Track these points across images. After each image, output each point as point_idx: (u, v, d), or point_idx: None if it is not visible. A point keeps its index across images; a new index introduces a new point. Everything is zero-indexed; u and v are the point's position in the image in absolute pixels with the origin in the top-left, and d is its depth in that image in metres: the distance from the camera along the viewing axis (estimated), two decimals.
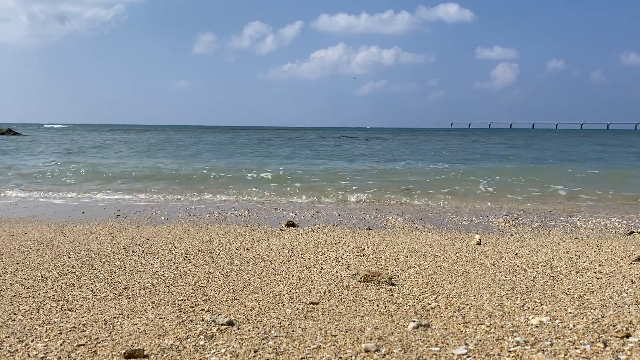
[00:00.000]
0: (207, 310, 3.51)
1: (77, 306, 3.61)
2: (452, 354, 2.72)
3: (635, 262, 5.05)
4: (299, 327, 3.18)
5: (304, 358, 2.69)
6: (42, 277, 4.41)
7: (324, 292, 4.02)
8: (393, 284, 4.25)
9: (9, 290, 4.01)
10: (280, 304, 3.68)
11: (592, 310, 3.44)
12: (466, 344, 2.85)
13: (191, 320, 3.29)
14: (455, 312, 3.49)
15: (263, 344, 2.87)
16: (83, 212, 9.15)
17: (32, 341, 2.91)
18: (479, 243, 6.19)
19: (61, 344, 2.86)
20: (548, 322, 3.17)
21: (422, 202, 10.73)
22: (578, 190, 12.49)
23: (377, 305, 3.67)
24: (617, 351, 2.68)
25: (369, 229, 7.57)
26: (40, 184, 13.35)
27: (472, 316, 3.38)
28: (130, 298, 3.83)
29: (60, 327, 3.16)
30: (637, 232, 7.32)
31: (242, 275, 4.55)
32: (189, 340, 2.94)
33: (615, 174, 16.90)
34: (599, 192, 12.10)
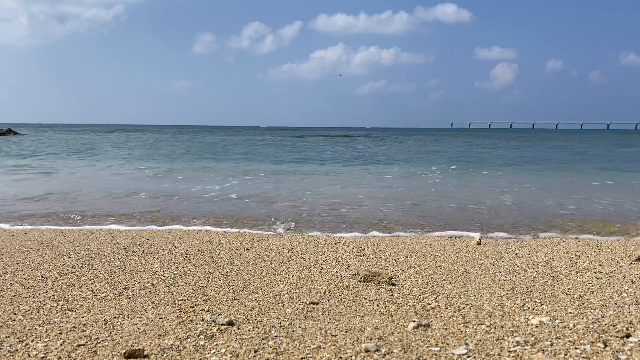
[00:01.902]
0: (207, 310, 3.51)
1: (77, 306, 3.61)
2: (452, 354, 2.72)
3: (635, 262, 5.05)
4: (299, 327, 3.18)
5: (304, 358, 2.69)
6: (42, 277, 4.41)
7: (324, 292, 4.02)
8: (393, 284, 4.25)
9: (9, 290, 4.01)
10: (280, 304, 3.69)
11: (592, 310, 3.44)
12: (466, 344, 2.85)
13: (191, 320, 3.29)
14: (455, 312, 3.49)
15: (263, 344, 2.87)
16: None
17: (32, 341, 2.91)
18: (479, 243, 6.19)
19: (61, 344, 2.86)
20: (548, 322, 3.17)
21: (421, 202, 10.72)
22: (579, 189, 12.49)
23: (377, 305, 3.67)
24: (617, 351, 2.68)
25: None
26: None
27: (472, 316, 3.38)
28: (130, 298, 3.83)
29: (60, 327, 3.16)
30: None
31: (242, 275, 4.55)
32: (189, 340, 2.94)
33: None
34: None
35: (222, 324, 3.18)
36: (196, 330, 3.10)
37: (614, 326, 3.07)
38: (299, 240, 6.32)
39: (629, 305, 3.54)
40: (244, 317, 3.37)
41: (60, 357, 2.70)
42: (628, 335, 2.88)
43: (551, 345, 2.78)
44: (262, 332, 3.08)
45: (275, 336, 3.00)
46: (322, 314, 3.47)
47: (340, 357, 2.69)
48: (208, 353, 2.75)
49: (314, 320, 3.33)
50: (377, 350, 2.76)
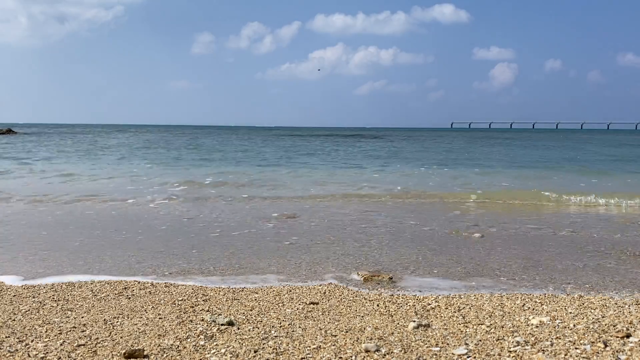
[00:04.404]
0: (207, 310, 3.51)
1: (77, 306, 3.61)
2: (453, 354, 2.72)
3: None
4: (299, 327, 3.18)
5: (304, 358, 2.69)
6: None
7: (324, 292, 4.02)
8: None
9: (9, 290, 4.00)
10: (280, 304, 3.68)
11: (592, 310, 3.44)
12: (466, 344, 2.85)
13: (191, 320, 3.28)
14: (455, 312, 3.49)
15: (263, 344, 2.87)
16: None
17: (32, 341, 2.91)
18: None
19: (61, 344, 2.86)
20: (548, 322, 3.17)
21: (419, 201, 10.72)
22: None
23: (377, 305, 3.67)
24: (617, 351, 2.68)
25: None
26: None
27: (472, 316, 3.38)
28: (130, 298, 3.83)
29: (60, 327, 3.16)
30: None
31: None
32: (189, 340, 2.94)
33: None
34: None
35: (222, 324, 3.17)
36: (196, 330, 3.10)
37: (614, 326, 3.07)
38: None
39: (629, 306, 3.54)
40: (244, 317, 3.37)
41: (60, 357, 2.69)
42: (628, 335, 2.88)
43: (551, 345, 2.78)
44: (262, 332, 3.08)
45: (275, 336, 3.00)
46: (322, 314, 3.47)
47: (340, 357, 2.68)
48: (208, 353, 2.75)
49: (314, 320, 3.32)
50: (377, 350, 2.76)
